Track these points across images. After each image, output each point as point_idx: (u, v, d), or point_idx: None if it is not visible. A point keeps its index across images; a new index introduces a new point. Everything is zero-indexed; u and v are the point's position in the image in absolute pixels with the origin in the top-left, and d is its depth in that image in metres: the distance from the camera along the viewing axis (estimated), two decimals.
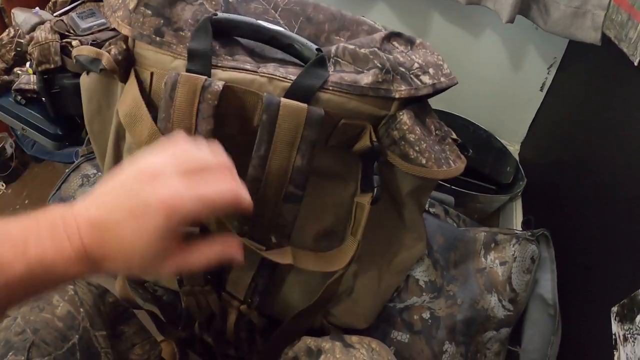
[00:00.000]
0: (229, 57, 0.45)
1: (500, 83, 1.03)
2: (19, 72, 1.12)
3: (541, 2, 0.85)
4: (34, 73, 1.07)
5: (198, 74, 0.42)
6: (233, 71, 0.44)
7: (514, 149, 1.06)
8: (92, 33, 0.99)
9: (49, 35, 0.99)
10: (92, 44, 0.94)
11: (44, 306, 0.50)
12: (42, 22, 1.07)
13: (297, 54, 0.47)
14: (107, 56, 0.46)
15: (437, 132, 0.51)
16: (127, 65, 0.48)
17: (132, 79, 0.47)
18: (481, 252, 0.70)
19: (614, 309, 0.61)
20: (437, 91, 0.50)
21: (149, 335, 0.61)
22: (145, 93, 0.46)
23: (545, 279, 0.75)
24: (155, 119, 0.47)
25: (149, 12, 0.45)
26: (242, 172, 0.47)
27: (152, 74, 0.46)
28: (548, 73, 0.99)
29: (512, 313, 0.69)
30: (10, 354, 0.45)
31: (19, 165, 1.34)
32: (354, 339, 0.48)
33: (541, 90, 1.02)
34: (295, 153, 0.42)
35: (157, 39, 0.45)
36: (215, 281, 0.54)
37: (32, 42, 1.00)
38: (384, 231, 0.58)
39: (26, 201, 1.30)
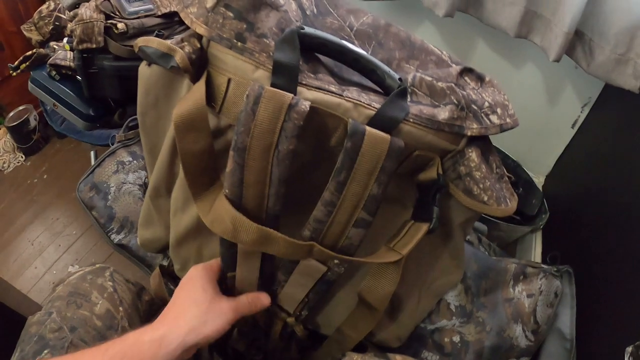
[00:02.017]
0: (312, 75, 0.44)
1: (533, 116, 1.05)
2: (55, 46, 1.11)
3: (587, 45, 0.87)
4: (71, 49, 1.06)
5: (283, 89, 0.40)
6: (318, 92, 0.43)
7: (539, 181, 1.08)
8: (138, 17, 0.99)
9: (94, 14, 0.98)
10: (157, 36, 0.93)
11: (82, 302, 0.48)
12: (84, 0, 1.06)
13: (378, 80, 0.46)
14: (182, 54, 0.43)
15: (497, 170, 0.53)
16: (200, 65, 0.45)
17: (201, 82, 0.44)
18: (510, 283, 0.72)
19: (629, 348, 0.63)
20: (502, 131, 0.51)
21: None
22: (215, 98, 0.45)
23: (564, 314, 0.78)
24: (216, 131, 0.46)
25: (231, 14, 0.42)
26: (309, 189, 0.47)
27: (229, 80, 0.43)
28: (581, 111, 1.01)
29: (532, 344, 0.71)
30: (46, 352, 0.43)
31: (41, 139, 1.34)
32: (398, 357, 0.49)
33: (572, 127, 1.04)
34: (374, 181, 0.42)
35: (239, 44, 0.42)
36: (265, 292, 0.54)
37: (76, 19, 0.99)
38: (428, 256, 0.59)
39: (45, 176, 1.30)
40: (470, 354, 0.66)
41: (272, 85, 0.41)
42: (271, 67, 0.42)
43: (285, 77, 0.42)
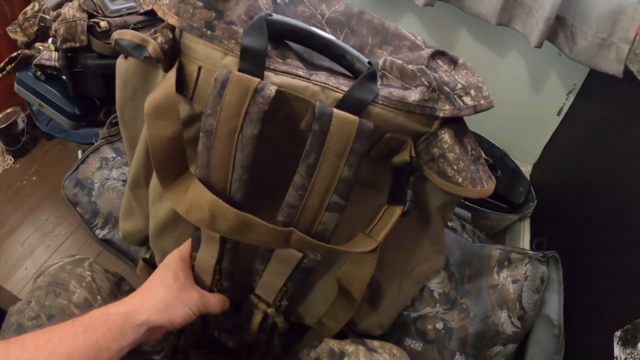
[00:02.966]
0: (281, 60, 0.45)
1: (518, 104, 1.04)
2: (41, 47, 1.11)
3: (569, 31, 0.87)
4: (56, 50, 1.06)
5: (250, 74, 0.41)
6: (286, 76, 0.43)
7: (526, 169, 1.08)
8: (121, 15, 0.99)
9: (77, 13, 0.98)
10: (133, 29, 0.94)
11: (60, 291, 0.48)
12: (69, 0, 1.06)
13: (348, 65, 0.47)
14: (154, 44, 0.44)
15: (472, 152, 0.53)
16: (172, 55, 0.46)
17: (172, 70, 0.45)
18: (495, 269, 0.72)
19: (617, 333, 0.63)
20: (476, 112, 0.51)
21: None
22: (187, 86, 0.45)
23: (552, 300, 0.77)
24: (190, 118, 0.47)
25: (200, 3, 0.43)
26: (279, 175, 0.47)
27: (199, 68, 0.44)
28: (566, 99, 1.01)
29: (519, 330, 0.71)
30: None
31: (29, 141, 1.33)
32: (375, 343, 0.49)
33: (558, 114, 1.04)
34: (344, 164, 0.42)
35: (208, 32, 0.43)
36: (241, 281, 0.54)
37: (59, 19, 0.99)
38: (407, 242, 0.59)
39: (34, 178, 1.30)
40: (454, 340, 0.65)
41: (240, 70, 0.42)
42: (239, 53, 0.42)
43: (252, 62, 0.42)
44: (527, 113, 1.05)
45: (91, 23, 0.98)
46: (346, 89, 0.44)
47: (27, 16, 1.12)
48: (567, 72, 0.98)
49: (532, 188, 0.99)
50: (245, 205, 0.45)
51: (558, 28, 0.87)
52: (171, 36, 0.46)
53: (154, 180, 0.54)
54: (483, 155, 0.55)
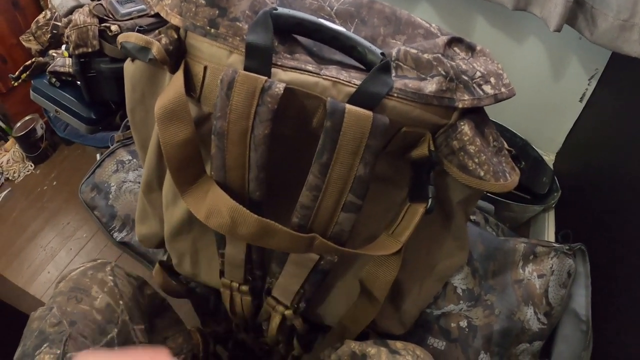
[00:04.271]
0: (289, 56, 0.43)
1: (539, 91, 1.01)
2: (54, 54, 1.12)
3: (589, 13, 0.83)
4: (69, 56, 1.07)
5: (257, 72, 0.40)
6: (294, 72, 0.42)
7: (549, 158, 1.04)
8: (131, 18, 0.99)
9: (88, 18, 0.99)
10: (138, 31, 0.94)
11: (82, 297, 0.48)
12: (79, 6, 1.07)
13: (359, 57, 0.45)
14: (158, 45, 0.43)
15: (494, 143, 0.50)
16: (178, 55, 0.45)
17: (179, 72, 0.44)
18: (520, 264, 0.69)
19: None
20: (497, 101, 0.49)
21: (183, 328, 0.60)
22: (194, 87, 0.44)
23: (579, 294, 0.75)
24: (199, 119, 0.45)
25: (202, 1, 0.42)
26: (294, 174, 0.45)
27: (205, 68, 0.43)
28: (589, 84, 0.97)
29: (546, 327, 0.69)
30: (45, 346, 0.43)
31: (49, 147, 1.36)
32: (398, 345, 0.47)
33: (580, 101, 1.00)
34: (359, 162, 0.41)
35: (212, 30, 0.42)
36: (257, 284, 0.53)
37: (70, 25, 1.00)
38: (428, 238, 0.57)
39: (54, 183, 1.32)
40: (478, 338, 0.63)
41: (246, 68, 0.41)
42: (245, 51, 0.41)
43: (258, 59, 0.41)
44: (548, 100, 1.02)
45: (102, 27, 0.98)
46: (358, 82, 0.43)
47: (40, 24, 1.13)
48: (588, 57, 0.95)
49: (555, 178, 0.95)
50: (265, 204, 0.44)
51: (577, 11, 0.84)
52: (176, 36, 0.45)
53: (167, 184, 0.54)
54: (506, 145, 0.53)
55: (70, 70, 1.06)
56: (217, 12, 0.42)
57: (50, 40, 1.13)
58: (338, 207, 0.43)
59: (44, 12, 1.15)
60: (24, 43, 1.15)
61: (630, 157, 0.83)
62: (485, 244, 0.69)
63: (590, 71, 0.96)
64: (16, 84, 1.10)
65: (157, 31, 0.46)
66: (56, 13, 1.13)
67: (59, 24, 1.11)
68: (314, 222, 0.44)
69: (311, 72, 0.42)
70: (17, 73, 1.09)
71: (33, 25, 1.13)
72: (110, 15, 1.00)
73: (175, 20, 0.43)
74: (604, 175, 0.91)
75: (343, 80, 0.42)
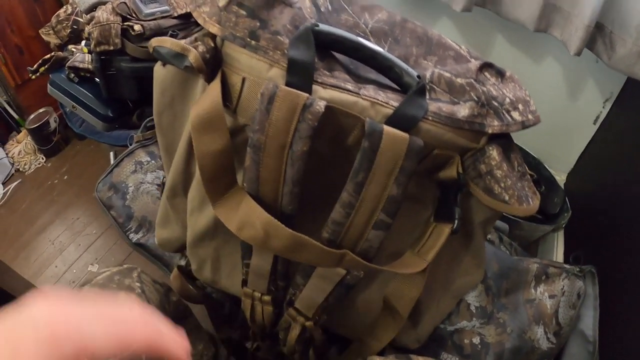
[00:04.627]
0: (328, 73, 0.43)
1: (554, 112, 1.02)
2: (74, 49, 1.13)
3: (608, 38, 0.84)
4: (89, 52, 1.08)
5: (298, 88, 0.40)
6: (334, 90, 0.42)
7: (560, 178, 1.05)
8: (154, 19, 1.00)
9: (111, 16, 0.99)
10: (171, 35, 0.95)
11: None
12: (101, 2, 1.08)
13: (395, 78, 0.45)
14: (195, 53, 0.43)
15: (519, 168, 0.51)
16: (214, 64, 0.45)
17: (216, 81, 0.44)
18: (532, 284, 0.70)
19: None
20: (524, 128, 0.50)
21: (203, 334, 0.60)
22: (230, 98, 0.44)
23: (587, 315, 0.76)
24: (233, 130, 0.45)
25: (243, 12, 0.42)
26: (325, 188, 0.46)
27: (243, 79, 0.43)
28: (603, 107, 0.99)
29: (554, 346, 0.70)
30: None
31: (61, 141, 1.36)
32: (420, 359, 0.48)
33: (594, 123, 1.01)
34: (392, 182, 0.41)
35: (252, 42, 0.42)
36: (280, 295, 0.54)
37: (93, 22, 1.01)
38: (448, 256, 0.58)
39: (65, 177, 1.32)
40: (490, 355, 0.64)
41: (287, 84, 0.41)
42: (285, 65, 0.41)
43: (300, 75, 0.41)
44: (562, 121, 1.03)
45: (125, 26, 0.99)
46: (395, 104, 0.43)
47: (60, 19, 1.14)
48: (604, 80, 0.96)
49: (566, 198, 0.97)
50: (296, 217, 0.44)
51: (597, 35, 0.85)
52: (212, 45, 0.45)
53: (194, 190, 0.54)
54: (527, 170, 0.54)
55: (90, 66, 1.06)
56: (258, 24, 0.42)
57: (70, 35, 1.13)
58: (369, 225, 0.44)
59: (65, 7, 1.15)
60: (43, 36, 1.15)
61: None
62: (500, 263, 0.70)
63: (605, 94, 0.97)
64: (34, 77, 1.10)
65: (193, 37, 0.45)
66: (77, 8, 1.14)
67: (80, 19, 1.12)
68: (344, 238, 0.45)
69: (350, 91, 0.42)
70: (35, 66, 1.10)
71: (53, 19, 1.13)
72: (134, 15, 1.01)
73: (213, 29, 0.43)
74: (615, 196, 0.92)
75: (381, 101, 0.42)
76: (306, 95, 0.39)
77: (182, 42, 0.45)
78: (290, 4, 0.43)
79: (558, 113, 1.02)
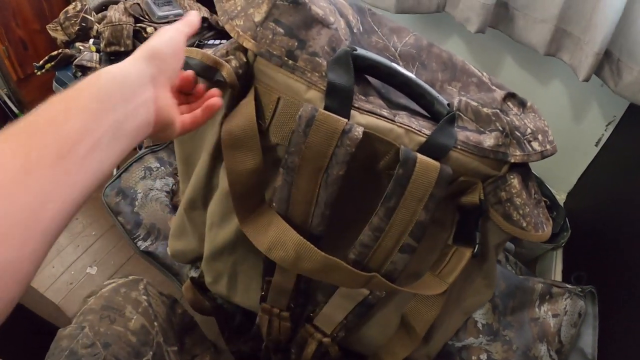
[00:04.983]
0: (364, 98, 0.44)
1: (557, 132, 1.02)
2: (81, 47, 1.11)
3: (615, 65, 0.86)
4: (97, 51, 1.06)
5: (336, 112, 0.40)
6: (371, 116, 0.42)
7: (560, 197, 1.08)
8: (167, 22, 0.99)
9: (123, 17, 0.99)
10: (198, 45, 0.94)
11: (116, 317, 0.46)
12: (112, 2, 1.07)
13: (426, 105, 0.46)
14: (229, 68, 0.42)
15: (535, 195, 0.53)
16: (246, 80, 0.44)
17: (250, 98, 0.43)
18: (536, 303, 0.72)
19: None
20: (543, 158, 0.52)
21: (209, 346, 0.60)
22: (263, 116, 0.44)
23: (587, 334, 0.78)
24: (265, 147, 0.44)
25: (281, 30, 0.41)
26: (354, 210, 0.47)
27: (278, 99, 0.42)
28: (605, 130, 1.01)
29: None
30: None
31: None
32: None
33: (596, 145, 1.04)
34: (422, 208, 0.43)
35: (290, 62, 0.41)
36: (298, 313, 0.54)
37: (105, 21, 1.00)
38: (461, 275, 0.59)
39: None
40: None
41: (326, 108, 0.41)
42: (324, 88, 0.42)
43: (338, 100, 0.41)
44: (565, 142, 1.05)
45: (137, 28, 0.98)
46: (428, 132, 0.44)
47: (69, 15, 1.12)
48: (608, 103, 0.98)
49: (566, 218, 0.99)
50: (325, 237, 0.45)
51: (604, 61, 0.87)
52: (245, 60, 0.44)
53: (215, 205, 0.54)
54: (542, 197, 0.56)
55: (98, 66, 1.05)
56: (296, 43, 0.42)
57: (78, 33, 1.12)
58: (396, 248, 0.45)
59: (74, 3, 1.14)
60: (50, 32, 1.14)
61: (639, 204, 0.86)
62: (507, 282, 0.71)
63: (608, 117, 1.00)
64: (39, 73, 1.09)
65: (224, 51, 0.45)
66: (86, 5, 1.12)
67: (89, 17, 1.10)
68: (370, 259, 0.46)
69: (386, 117, 0.43)
70: (41, 62, 1.08)
71: (61, 16, 1.12)
72: (146, 16, 1.00)
73: (248, 44, 0.42)
74: (613, 218, 0.95)
75: (415, 129, 0.44)
76: (345, 120, 0.40)
77: (213, 54, 0.44)
78: (328, 24, 0.43)
79: (561, 134, 1.04)
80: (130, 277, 0.55)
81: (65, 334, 0.45)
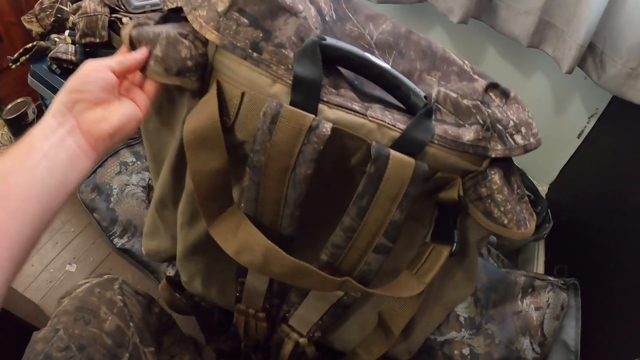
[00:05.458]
0: (334, 91, 0.41)
1: (540, 124, 1.02)
2: (57, 39, 1.08)
3: (598, 58, 0.86)
4: (73, 43, 1.03)
5: (303, 107, 0.38)
6: (341, 110, 0.40)
7: (542, 189, 1.08)
8: (144, 12, 0.97)
9: (99, 7, 0.95)
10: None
11: (90, 319, 0.45)
12: None
13: (402, 97, 0.44)
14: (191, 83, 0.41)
15: (518, 190, 0.52)
16: (203, 72, 0.42)
17: (212, 94, 0.40)
18: (519, 296, 0.72)
19: None
20: (526, 152, 0.50)
21: (189, 345, 0.59)
22: (227, 112, 0.41)
23: (570, 326, 0.78)
24: (230, 145, 0.42)
25: (245, 20, 0.39)
26: (325, 209, 0.45)
27: (243, 94, 0.40)
28: (588, 122, 1.01)
29: (539, 356, 0.72)
30: None
31: None
32: None
33: (578, 137, 1.04)
34: (396, 207, 0.41)
35: (254, 55, 0.39)
36: (274, 313, 0.53)
37: (79, 12, 0.96)
38: (441, 271, 0.58)
39: None
40: None
41: (292, 103, 0.39)
42: (290, 82, 0.39)
43: (305, 93, 0.39)
44: (547, 133, 1.04)
45: (113, 19, 0.95)
46: (402, 126, 0.42)
47: (44, 6, 1.08)
48: (591, 96, 0.98)
49: (548, 209, 0.99)
50: (295, 238, 0.44)
51: (587, 54, 0.87)
52: (202, 51, 0.41)
53: (184, 204, 0.51)
54: (526, 191, 0.55)
55: (73, 58, 1.02)
56: (261, 34, 0.39)
57: (54, 24, 1.08)
58: (369, 249, 0.43)
59: None
60: (25, 24, 1.10)
61: (621, 193, 0.87)
62: (489, 276, 0.71)
63: (590, 110, 1.00)
64: (14, 66, 1.05)
65: (182, 36, 0.41)
66: None
67: (65, 8, 1.07)
68: (343, 260, 0.44)
69: (357, 112, 0.41)
70: (16, 55, 1.05)
71: (37, 7, 1.08)
72: (122, 7, 0.97)
73: (211, 36, 0.39)
74: (594, 209, 0.95)
75: (388, 123, 0.42)
76: (312, 116, 0.38)
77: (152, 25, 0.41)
78: (296, 13, 0.41)
79: (544, 126, 1.04)
80: (105, 276, 0.53)
81: (39, 337, 0.44)
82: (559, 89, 1.00)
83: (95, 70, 0.38)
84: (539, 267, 0.97)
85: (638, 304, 0.71)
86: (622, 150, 0.92)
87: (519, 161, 1.06)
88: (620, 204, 0.87)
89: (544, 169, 1.10)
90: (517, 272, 0.74)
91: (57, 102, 0.37)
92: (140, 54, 0.39)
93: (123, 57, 0.39)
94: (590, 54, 0.87)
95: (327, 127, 0.38)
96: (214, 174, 0.40)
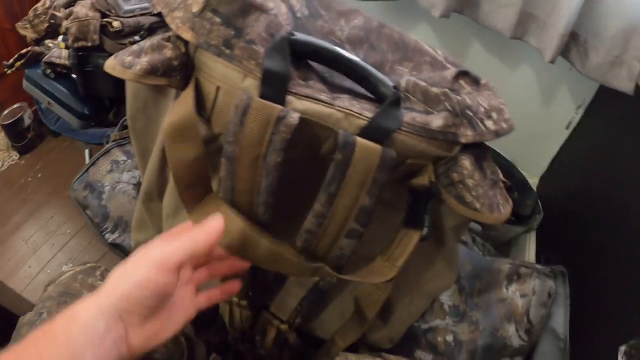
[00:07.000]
0: (303, 83, 0.43)
1: (527, 116, 1.04)
2: (51, 44, 1.10)
3: (582, 47, 0.87)
4: (66, 47, 1.05)
5: (272, 99, 0.40)
6: (308, 101, 0.42)
7: (533, 181, 1.08)
8: (134, 16, 0.99)
9: (90, 12, 0.98)
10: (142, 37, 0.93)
11: (73, 302, 0.45)
12: None
13: (371, 87, 0.45)
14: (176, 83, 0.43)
15: (491, 176, 0.52)
16: (186, 70, 0.44)
17: (190, 89, 0.43)
18: (504, 283, 0.72)
19: (622, 347, 0.63)
20: (498, 137, 0.51)
21: (177, 334, 0.61)
22: (204, 106, 0.44)
23: (558, 314, 0.78)
24: (208, 138, 0.45)
25: (218, 19, 0.41)
26: (299, 196, 0.46)
27: (218, 88, 0.43)
28: (576, 113, 1.02)
29: (526, 343, 0.72)
30: None
31: (36, 137, 1.33)
32: (392, 358, 0.49)
33: (567, 128, 1.04)
34: (365, 194, 0.42)
35: (227, 51, 0.41)
36: (256, 300, 0.54)
37: (71, 17, 0.99)
38: (420, 258, 0.59)
39: (39, 175, 1.29)
40: (463, 353, 0.66)
41: (261, 95, 0.41)
42: (260, 75, 0.41)
43: (274, 86, 0.41)
44: (536, 125, 1.05)
45: (104, 22, 0.97)
46: (370, 114, 0.44)
47: (38, 12, 1.10)
48: (578, 86, 0.99)
49: (538, 201, 1.00)
50: (272, 225, 0.45)
51: (571, 43, 0.88)
52: (183, 50, 0.44)
53: (169, 196, 0.54)
54: (501, 177, 0.55)
55: (67, 62, 1.04)
56: (232, 32, 0.41)
57: (47, 30, 1.10)
58: (341, 234, 0.44)
59: (42, 0, 1.12)
60: (20, 30, 1.12)
61: (610, 185, 0.87)
62: (473, 264, 0.72)
63: (578, 100, 1.00)
64: (10, 72, 1.07)
65: (166, 36, 0.44)
66: (55, 2, 1.11)
67: (58, 13, 1.09)
68: (317, 245, 0.45)
69: (325, 102, 0.42)
70: (11, 61, 1.07)
71: (31, 13, 1.10)
72: (113, 11, 0.99)
73: (187, 35, 0.42)
74: (585, 199, 0.95)
75: (355, 112, 0.43)
76: (280, 107, 0.39)
77: (147, 42, 0.44)
78: (266, 10, 0.43)
79: (532, 118, 1.05)
80: (88, 264, 0.55)
81: (25, 321, 0.46)
82: (545, 80, 1.01)
83: (157, 273, 0.33)
84: (531, 258, 0.97)
85: (626, 292, 0.71)
86: (610, 140, 0.93)
87: (509, 154, 1.07)
88: (610, 193, 0.87)
89: (534, 161, 1.11)
90: (501, 260, 0.75)
91: (107, 302, 0.33)
92: (216, 223, 0.36)
93: (194, 241, 0.35)
94: (574, 43, 0.87)
95: (294, 117, 0.40)
96: (192, 162, 0.42)
